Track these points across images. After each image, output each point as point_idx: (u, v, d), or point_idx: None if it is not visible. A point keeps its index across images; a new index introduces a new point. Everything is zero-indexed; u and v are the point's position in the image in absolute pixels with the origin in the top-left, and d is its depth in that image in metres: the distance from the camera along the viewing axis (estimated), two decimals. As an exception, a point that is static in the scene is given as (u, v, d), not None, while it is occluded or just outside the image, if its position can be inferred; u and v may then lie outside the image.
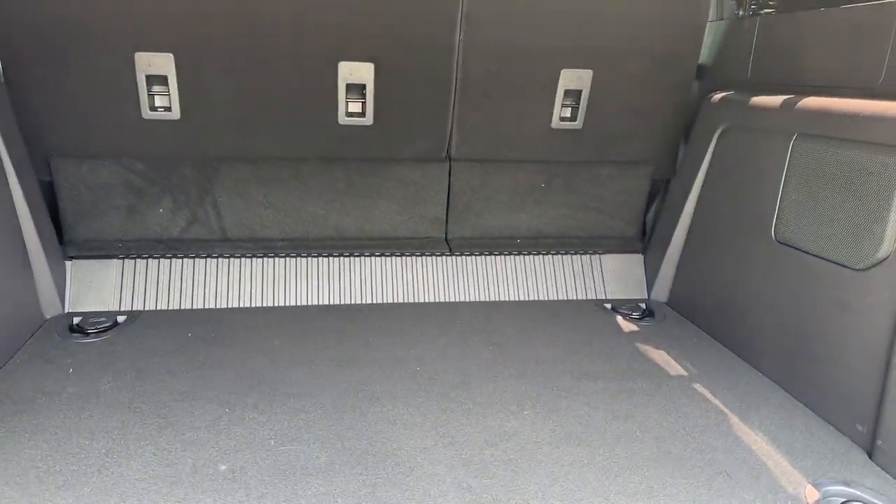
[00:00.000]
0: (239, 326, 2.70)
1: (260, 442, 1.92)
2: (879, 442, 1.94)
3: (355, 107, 2.91)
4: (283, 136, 2.94)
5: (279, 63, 2.77)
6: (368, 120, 2.92)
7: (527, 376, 2.38)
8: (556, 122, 3.06)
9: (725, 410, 2.21)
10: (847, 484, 1.85)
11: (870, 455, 1.98)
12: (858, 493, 1.81)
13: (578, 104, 3.03)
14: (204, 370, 2.33)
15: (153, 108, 2.78)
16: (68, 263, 2.85)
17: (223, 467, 1.80)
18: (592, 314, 3.01)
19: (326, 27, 2.73)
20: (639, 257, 3.30)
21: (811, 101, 2.34)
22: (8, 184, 2.49)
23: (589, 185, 3.24)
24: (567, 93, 3.00)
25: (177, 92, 2.76)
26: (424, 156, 3.08)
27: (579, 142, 3.13)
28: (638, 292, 3.23)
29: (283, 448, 1.89)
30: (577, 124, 3.08)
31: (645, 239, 3.37)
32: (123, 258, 2.90)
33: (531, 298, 3.15)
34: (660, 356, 2.60)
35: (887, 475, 1.89)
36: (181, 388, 2.20)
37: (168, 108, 2.79)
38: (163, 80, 2.73)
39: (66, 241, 2.89)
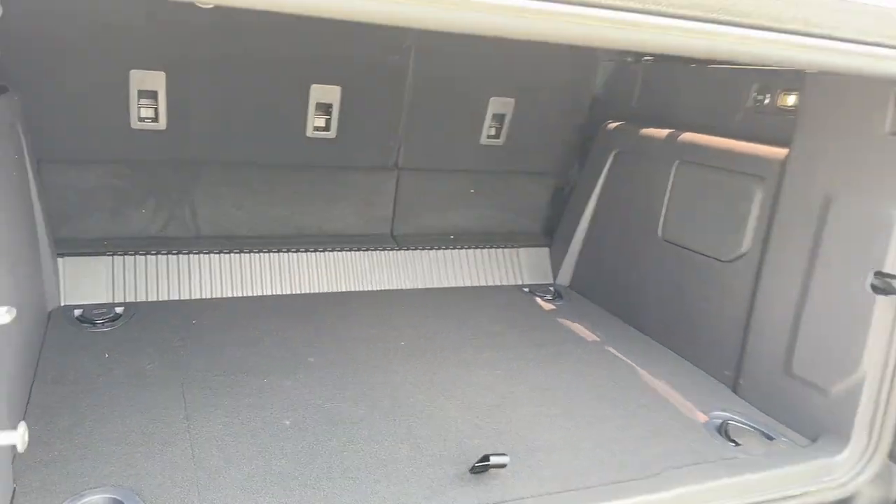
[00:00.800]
0: (232, 314, 3.10)
1: (307, 402, 2.41)
2: (741, 381, 2.79)
3: (321, 122, 3.40)
4: (256, 146, 3.37)
5: (259, 84, 3.20)
6: (332, 134, 3.42)
7: (487, 346, 3.02)
8: (483, 139, 3.74)
9: (632, 364, 2.99)
10: (723, 410, 2.66)
11: (734, 391, 2.81)
12: (732, 415, 2.63)
13: (502, 125, 3.72)
14: (225, 350, 2.73)
15: (141, 119, 3.10)
16: (60, 260, 3.08)
17: (287, 422, 2.28)
18: (516, 296, 3.71)
19: (301, 55, 3.19)
20: (546, 250, 4.05)
21: (690, 136, 3.16)
22: (28, 183, 2.73)
23: (507, 191, 3.95)
24: (494, 116, 3.68)
25: (165, 105, 3.10)
26: (377, 165, 3.63)
27: (501, 156, 3.83)
28: (546, 279, 3.98)
29: (328, 405, 2.40)
30: (500, 141, 3.77)
31: (549, 235, 4.11)
32: (112, 255, 3.17)
33: (465, 285, 3.80)
34: (576, 328, 3.34)
35: (748, 403, 2.73)
36: (216, 366, 2.60)
37: (155, 119, 3.12)
38: (153, 94, 3.07)
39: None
